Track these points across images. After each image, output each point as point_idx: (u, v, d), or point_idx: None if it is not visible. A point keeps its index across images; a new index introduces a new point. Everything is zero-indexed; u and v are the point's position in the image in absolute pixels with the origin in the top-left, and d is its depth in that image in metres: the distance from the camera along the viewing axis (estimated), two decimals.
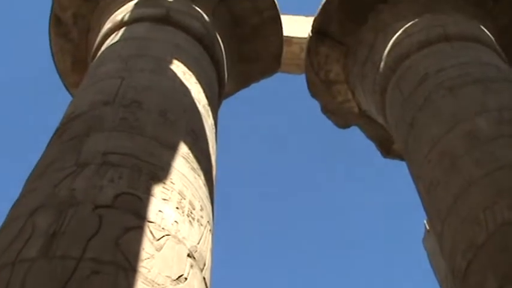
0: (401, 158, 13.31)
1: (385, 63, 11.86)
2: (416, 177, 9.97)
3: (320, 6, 13.48)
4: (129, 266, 5.39)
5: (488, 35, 12.02)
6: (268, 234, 34.44)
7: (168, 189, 6.65)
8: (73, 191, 6.11)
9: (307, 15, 15.18)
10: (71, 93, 13.59)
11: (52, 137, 7.80)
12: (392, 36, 12.08)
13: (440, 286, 13.95)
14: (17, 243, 5.52)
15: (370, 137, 14.98)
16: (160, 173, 6.82)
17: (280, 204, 34.57)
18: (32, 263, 5.20)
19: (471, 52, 10.86)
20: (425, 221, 15.08)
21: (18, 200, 6.57)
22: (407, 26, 11.99)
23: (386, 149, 14.93)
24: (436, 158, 9.06)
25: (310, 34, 13.73)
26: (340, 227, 34.87)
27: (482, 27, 12.24)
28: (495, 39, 12.22)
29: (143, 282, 5.33)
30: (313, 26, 13.65)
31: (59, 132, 7.69)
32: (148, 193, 6.37)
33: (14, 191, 6.88)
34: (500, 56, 11.48)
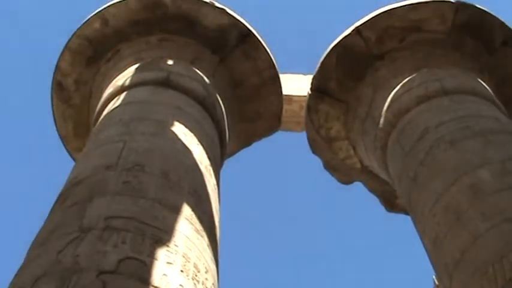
0: (406, 213, 13.24)
1: (385, 119, 11.96)
2: (421, 232, 9.89)
3: (318, 64, 13.70)
4: None
5: (485, 87, 12.18)
6: None
7: (172, 253, 6.59)
8: (77, 257, 6.05)
9: (305, 74, 15.40)
10: (73, 158, 13.65)
11: (55, 203, 7.80)
12: (391, 91, 12.24)
13: None
14: None
15: (374, 192, 14.95)
16: (163, 236, 6.78)
17: (282, 261, 34.12)
18: None
19: (470, 105, 10.97)
20: (433, 276, 14.85)
21: (21, 268, 6.50)
22: (405, 81, 12.17)
23: (390, 203, 14.87)
24: (441, 212, 9.01)
25: (310, 92, 13.91)
26: (347, 284, 34.28)
27: (480, 80, 12.42)
28: (493, 91, 12.37)
29: None
30: (312, 84, 13.84)
31: (62, 197, 7.70)
32: (152, 257, 6.31)
33: (17, 259, 6.83)
34: (499, 108, 11.59)
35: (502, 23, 13.15)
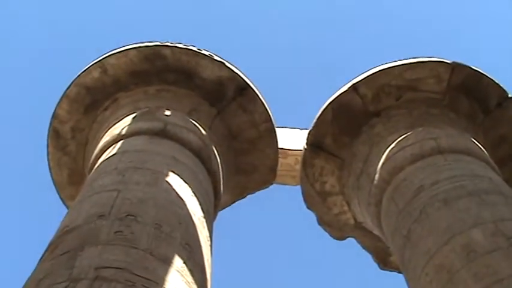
0: (399, 270, 13.12)
1: (380, 176, 12.00)
2: None
3: (314, 120, 13.82)
4: None
5: (480, 147, 12.27)
6: None
7: None
8: None
9: (302, 129, 15.53)
10: (66, 206, 13.56)
11: (45, 251, 7.71)
12: (386, 149, 12.32)
13: None
14: None
15: (367, 248, 14.84)
16: (154, 287, 6.69)
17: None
18: None
19: (464, 164, 11.03)
20: None
21: None
22: (400, 139, 12.26)
23: (383, 261, 14.76)
24: (433, 271, 8.95)
25: (305, 147, 13.98)
26: None
27: (474, 140, 12.53)
28: (487, 152, 12.47)
29: None
30: (307, 139, 13.93)
31: (52, 246, 7.62)
32: None
33: None
34: (494, 168, 11.66)
35: (497, 85, 13.36)
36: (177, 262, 7.56)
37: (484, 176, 10.65)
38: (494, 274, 7.92)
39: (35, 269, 7.31)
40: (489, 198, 9.69)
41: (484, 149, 12.37)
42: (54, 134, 13.33)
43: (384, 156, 12.20)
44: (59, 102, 13.26)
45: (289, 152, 15.21)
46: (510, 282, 7.65)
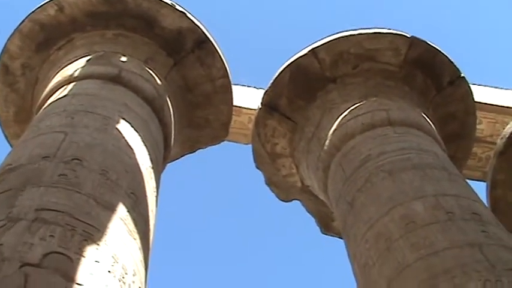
0: (340, 236, 13.41)
1: (330, 142, 12.13)
2: (352, 256, 10.02)
3: (271, 80, 13.78)
4: None
5: (429, 123, 12.52)
6: None
7: (100, 251, 6.44)
8: (0, 246, 5.84)
9: (258, 88, 15.48)
10: (10, 144, 13.25)
11: None
12: (339, 116, 12.43)
13: None
14: None
15: (311, 212, 15.10)
16: (95, 233, 6.62)
17: (216, 269, 33.99)
18: None
19: (412, 138, 11.24)
20: None
21: None
22: (353, 107, 12.39)
23: (326, 225, 15.07)
24: (373, 239, 9.16)
25: (260, 106, 13.98)
26: None
27: (424, 115, 12.76)
28: (436, 128, 12.73)
29: None
30: (263, 99, 13.91)
31: None
32: (80, 254, 6.15)
33: None
34: (440, 144, 11.92)
35: (451, 63, 13.57)
36: (121, 210, 7.50)
37: (430, 151, 10.88)
38: (430, 246, 8.15)
39: None
40: (433, 172, 9.92)
41: (432, 125, 12.63)
42: (4, 69, 12.90)
43: (336, 123, 12.32)
44: (10, 37, 12.79)
45: (244, 110, 15.19)
46: (445, 254, 7.88)
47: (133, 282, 6.84)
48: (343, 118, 12.30)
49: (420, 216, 8.78)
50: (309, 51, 13.33)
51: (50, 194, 6.95)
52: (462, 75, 13.65)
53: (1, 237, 5.98)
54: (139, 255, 7.44)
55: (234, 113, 14.42)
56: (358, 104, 12.41)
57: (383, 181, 10.02)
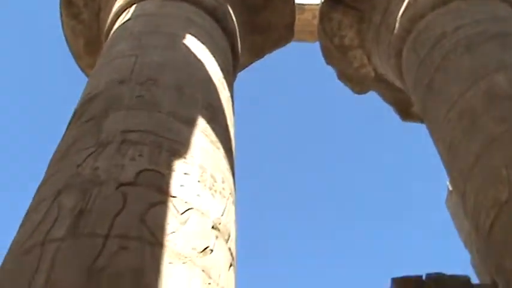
0: (421, 121, 13.22)
1: (400, 25, 11.71)
2: (436, 139, 9.91)
3: None
4: (155, 240, 5.46)
5: None
6: (289, 203, 34.61)
7: (188, 164, 6.68)
8: (96, 170, 6.18)
9: None
10: (86, 75, 13.64)
11: (71, 120, 7.86)
12: None
13: (464, 245, 13.96)
14: (44, 224, 5.63)
15: (388, 101, 14.87)
16: (180, 148, 6.86)
17: (298, 171, 34.66)
18: (61, 243, 5.30)
19: (487, 8, 10.66)
20: (447, 182, 15.03)
21: (43, 182, 6.67)
22: None
23: (405, 112, 14.83)
24: (456, 117, 8.98)
25: (323, 0, 13.58)
26: (362, 190, 34.92)
27: None
28: None
29: (170, 256, 5.41)
30: None
31: (78, 114, 7.74)
32: (169, 168, 6.42)
33: (40, 173, 7.01)
34: None
35: None
36: (201, 123, 7.67)
37: (508, 20, 10.32)
38: None
39: (63, 137, 7.49)
40: None
41: None
42: (66, 2, 13.07)
43: (404, 5, 11.81)
44: None
45: (306, 6, 14.82)
46: None
47: (224, 189, 7.09)
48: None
49: (503, 88, 8.48)
50: None
51: (132, 116, 7.20)
52: None
53: (95, 162, 6.31)
54: (225, 164, 7.67)
55: (296, 11, 14.09)
56: None
57: (461, 57, 9.65)
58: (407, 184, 34.53)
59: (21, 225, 6.10)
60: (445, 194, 15.37)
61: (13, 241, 5.92)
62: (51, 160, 7.10)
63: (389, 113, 15.17)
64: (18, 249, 5.61)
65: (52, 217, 5.67)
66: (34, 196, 6.49)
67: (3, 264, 5.65)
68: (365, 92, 15.07)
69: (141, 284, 5.04)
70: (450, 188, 14.59)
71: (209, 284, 5.58)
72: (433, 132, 10.14)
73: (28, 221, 6.01)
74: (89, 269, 5.00)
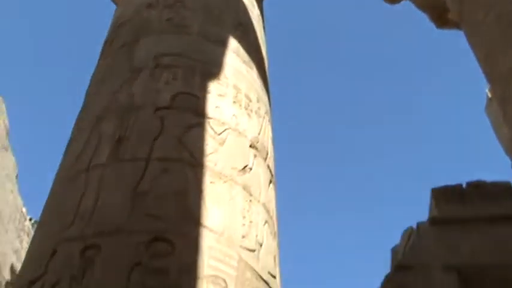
0: (457, 27, 12.80)
1: None
2: (474, 45, 9.62)
3: None
4: (195, 161, 5.56)
5: None
6: (320, 123, 34.63)
7: (222, 85, 6.68)
8: (132, 96, 6.24)
9: None
10: (115, 3, 13.50)
11: (103, 48, 7.87)
12: None
13: (505, 152, 13.83)
14: (87, 151, 5.79)
15: (422, 8, 14.36)
16: (213, 69, 6.84)
17: (332, 87, 34.46)
18: (104, 168, 5.45)
19: None
20: (487, 90, 14.73)
21: (81, 111, 6.79)
22: None
23: (440, 18, 14.33)
24: (494, 21, 8.67)
25: None
26: (402, 102, 34.61)
27: None
28: None
29: (211, 176, 5.51)
30: None
31: (109, 41, 7.74)
32: (204, 90, 6.43)
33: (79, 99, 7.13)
34: None
35: None
36: (232, 43, 7.59)
37: None
38: None
39: (97, 66, 7.54)
40: None
41: None
42: None
43: None
44: None
45: None
46: None
47: (259, 108, 7.10)
48: None
49: None
50: None
51: (163, 40, 7.16)
52: None
53: (130, 88, 6.37)
54: (259, 83, 7.63)
55: None
56: None
57: None
58: (443, 96, 34.04)
59: (65, 153, 6.28)
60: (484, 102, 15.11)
61: (59, 168, 6.12)
62: (88, 88, 7.18)
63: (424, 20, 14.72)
64: (65, 175, 5.80)
65: (93, 144, 5.81)
66: (74, 125, 6.63)
67: (52, 189, 5.87)
68: (398, 2, 14.58)
69: (184, 204, 5.17)
70: (489, 95, 14.31)
71: (250, 201, 5.70)
72: (470, 38, 9.84)
73: (71, 148, 6.17)
74: (133, 191, 5.15)
